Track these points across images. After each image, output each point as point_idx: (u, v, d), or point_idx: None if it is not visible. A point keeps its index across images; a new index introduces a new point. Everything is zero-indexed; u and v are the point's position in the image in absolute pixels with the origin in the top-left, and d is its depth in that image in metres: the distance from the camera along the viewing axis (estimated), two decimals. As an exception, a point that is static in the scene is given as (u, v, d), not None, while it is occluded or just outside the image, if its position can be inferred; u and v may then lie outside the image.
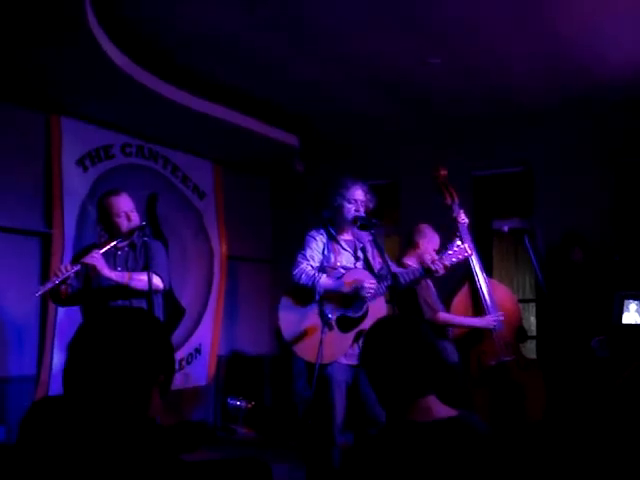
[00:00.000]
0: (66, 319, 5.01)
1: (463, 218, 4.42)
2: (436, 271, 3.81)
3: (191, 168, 6.49)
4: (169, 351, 1.55)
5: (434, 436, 1.73)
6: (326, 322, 3.67)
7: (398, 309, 3.75)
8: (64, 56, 4.34)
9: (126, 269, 3.81)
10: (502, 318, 4.37)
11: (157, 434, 1.34)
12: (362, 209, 3.91)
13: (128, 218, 3.83)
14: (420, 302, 4.26)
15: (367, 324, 3.82)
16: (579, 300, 4.98)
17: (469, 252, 3.97)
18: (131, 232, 3.81)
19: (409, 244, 4.53)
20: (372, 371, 1.92)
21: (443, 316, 4.30)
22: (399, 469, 1.70)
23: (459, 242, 3.98)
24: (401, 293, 3.94)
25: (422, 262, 4.01)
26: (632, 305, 4.79)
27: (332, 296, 3.79)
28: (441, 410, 1.82)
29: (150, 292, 3.59)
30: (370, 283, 3.75)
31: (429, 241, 4.45)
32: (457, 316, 4.36)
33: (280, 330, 3.84)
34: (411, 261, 4.38)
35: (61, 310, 5.02)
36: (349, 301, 3.80)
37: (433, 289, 4.40)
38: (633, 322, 4.76)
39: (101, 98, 5.13)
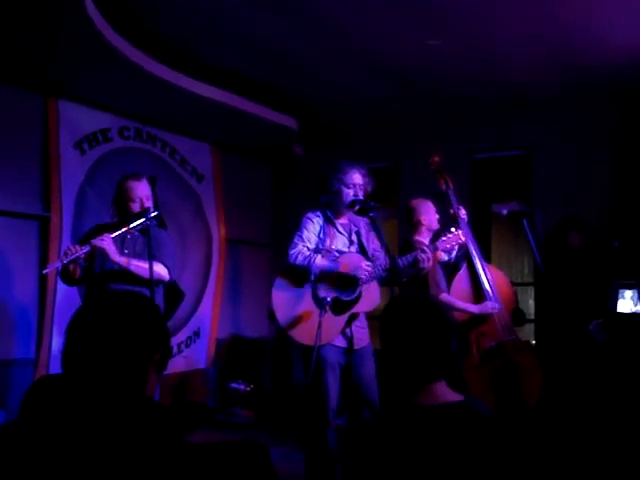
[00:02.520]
0: (65, 302, 5.02)
1: (463, 213, 4.42)
2: (422, 260, 3.79)
3: (189, 151, 6.47)
4: (164, 330, 1.58)
5: (440, 419, 1.75)
6: (321, 304, 3.68)
7: (406, 282, 3.77)
8: (60, 38, 4.31)
9: (133, 252, 3.79)
10: (497, 308, 4.36)
11: (156, 412, 1.34)
12: (360, 193, 3.90)
13: (142, 204, 3.80)
14: (429, 277, 4.23)
15: (360, 307, 3.85)
16: (577, 284, 4.98)
17: (462, 239, 3.98)
18: (140, 213, 3.75)
19: (412, 224, 4.48)
20: (389, 352, 1.92)
21: (445, 297, 4.28)
22: (404, 451, 1.72)
23: (453, 229, 3.99)
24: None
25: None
26: (627, 293, 4.81)
27: (326, 278, 3.80)
28: (448, 395, 1.83)
29: (152, 281, 3.55)
30: (366, 265, 3.78)
31: (427, 212, 4.43)
32: (458, 300, 4.34)
33: (274, 311, 3.84)
34: (423, 237, 4.35)
35: (60, 293, 5.03)
36: (343, 283, 3.80)
37: (440, 268, 4.37)
38: (628, 310, 4.78)
39: (98, 80, 5.10)
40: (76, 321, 1.52)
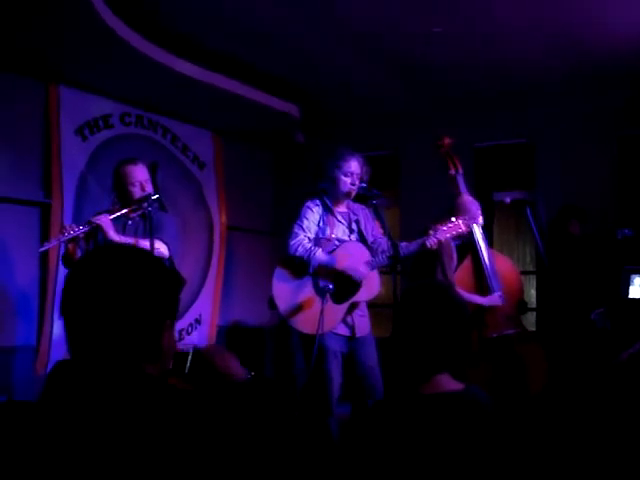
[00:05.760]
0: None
1: (480, 221, 4.36)
2: (431, 246, 3.83)
3: (191, 138, 6.44)
4: (175, 290, 1.37)
5: (438, 407, 1.75)
6: (323, 293, 3.69)
7: (410, 269, 3.74)
8: (62, 23, 4.28)
9: (135, 239, 3.81)
10: (502, 300, 4.32)
11: (171, 396, 1.25)
12: (357, 181, 3.89)
13: (142, 188, 3.83)
14: (437, 267, 4.18)
15: (360, 296, 3.85)
16: (578, 272, 4.97)
17: (463, 228, 3.95)
18: (141, 200, 3.77)
19: (450, 215, 4.41)
20: (400, 340, 1.90)
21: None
22: (401, 438, 1.72)
23: (453, 218, 3.97)
24: (421, 253, 3.93)
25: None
26: (637, 279, 4.80)
27: (325, 271, 3.80)
28: (449, 384, 1.84)
29: None
30: (363, 267, 3.77)
31: (471, 215, 4.34)
32: (466, 292, 4.26)
33: (274, 300, 3.84)
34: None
35: (61, 280, 5.02)
36: (342, 276, 3.81)
37: (455, 260, 4.32)
38: (638, 297, 4.77)
39: (99, 66, 5.07)
40: (74, 286, 1.27)
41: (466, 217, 4.26)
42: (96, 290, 1.26)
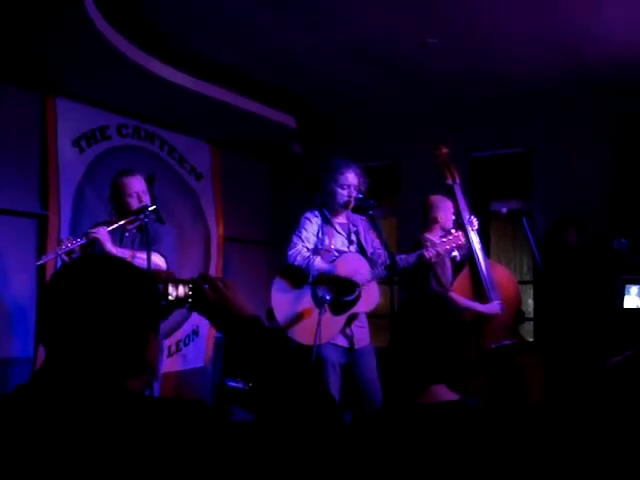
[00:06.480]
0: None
1: (475, 225, 4.38)
2: (429, 258, 3.85)
3: (188, 149, 6.45)
4: (158, 301, 1.35)
5: (433, 417, 1.75)
6: (321, 303, 3.68)
7: (406, 280, 3.76)
8: (59, 35, 4.29)
9: (132, 249, 3.81)
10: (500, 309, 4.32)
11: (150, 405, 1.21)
12: (355, 193, 3.90)
13: (139, 199, 3.84)
14: (430, 276, 4.18)
15: (359, 308, 3.85)
16: (575, 282, 4.97)
17: (462, 241, 3.97)
18: (138, 211, 3.77)
19: (427, 220, 4.44)
20: (397, 351, 1.90)
21: (452, 296, 4.20)
22: (396, 447, 1.72)
23: (453, 230, 3.99)
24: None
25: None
26: (633, 289, 4.80)
27: (325, 280, 3.79)
28: (445, 394, 1.83)
29: (149, 270, 3.57)
30: (364, 272, 3.78)
31: (446, 211, 4.37)
32: (465, 299, 4.27)
33: (273, 311, 3.84)
34: (434, 236, 4.28)
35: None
36: (341, 285, 3.80)
37: (449, 267, 4.32)
38: (634, 306, 4.77)
39: (96, 78, 5.08)
40: (52, 297, 1.22)
41: (441, 214, 4.31)
42: (74, 302, 1.21)
